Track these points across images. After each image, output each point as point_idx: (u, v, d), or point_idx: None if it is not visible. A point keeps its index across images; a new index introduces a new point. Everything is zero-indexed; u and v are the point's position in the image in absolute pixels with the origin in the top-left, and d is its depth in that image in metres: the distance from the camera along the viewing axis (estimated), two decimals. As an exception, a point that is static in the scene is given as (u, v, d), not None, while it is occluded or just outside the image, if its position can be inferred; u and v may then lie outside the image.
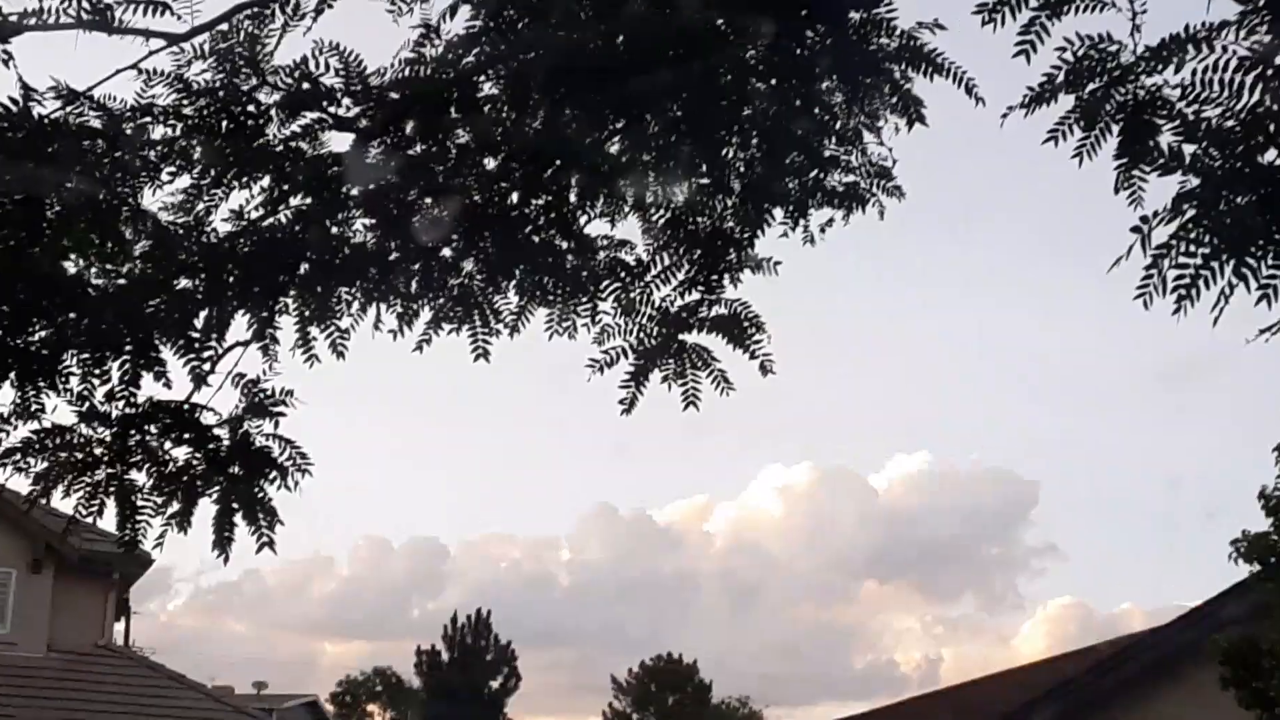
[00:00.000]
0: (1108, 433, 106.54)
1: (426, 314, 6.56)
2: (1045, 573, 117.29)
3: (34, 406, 6.28)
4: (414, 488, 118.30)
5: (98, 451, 6.48)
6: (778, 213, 6.43)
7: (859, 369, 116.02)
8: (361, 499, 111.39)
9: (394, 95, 6.23)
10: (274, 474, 6.56)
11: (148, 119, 6.04)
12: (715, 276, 6.62)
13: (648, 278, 6.65)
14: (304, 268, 6.47)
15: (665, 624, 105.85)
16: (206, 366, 6.39)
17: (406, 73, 6.23)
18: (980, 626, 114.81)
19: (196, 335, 6.36)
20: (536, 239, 6.48)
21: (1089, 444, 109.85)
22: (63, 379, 6.25)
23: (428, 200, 6.37)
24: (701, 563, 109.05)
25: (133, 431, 6.49)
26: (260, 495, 6.54)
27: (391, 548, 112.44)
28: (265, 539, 6.50)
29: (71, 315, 6.23)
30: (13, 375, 6.16)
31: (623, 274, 6.63)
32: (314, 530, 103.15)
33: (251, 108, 6.14)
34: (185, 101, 6.07)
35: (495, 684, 70.36)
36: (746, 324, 6.59)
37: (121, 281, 6.30)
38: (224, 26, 6.29)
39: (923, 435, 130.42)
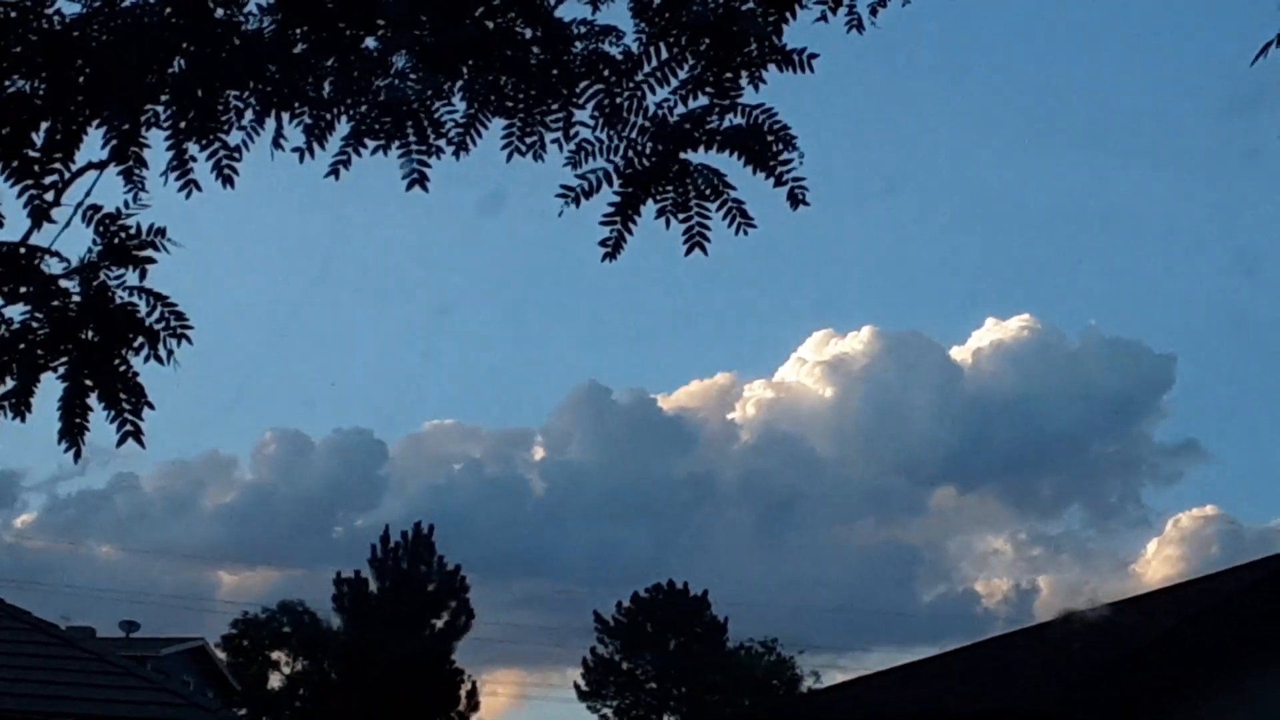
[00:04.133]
0: (1267, 295, 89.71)
1: (344, 126, 5.89)
2: (1180, 477, 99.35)
3: None
4: (341, 363, 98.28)
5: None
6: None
7: (935, 208, 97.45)
8: (269, 378, 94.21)
9: None
10: (140, 340, 6.03)
11: None
12: (729, 74, 5.93)
13: (639, 76, 6.00)
14: (179, 64, 5.92)
15: (671, 546, 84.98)
16: (49, 196, 5.91)
17: None
18: (1090, 548, 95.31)
19: (35, 154, 5.89)
20: (491, 24, 5.90)
21: (1241, 308, 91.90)
22: None
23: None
24: (722, 464, 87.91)
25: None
26: (122, 369, 6.01)
27: (310, 444, 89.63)
28: (129, 427, 5.95)
29: None
30: None
31: (606, 71, 5.96)
32: (205, 421, 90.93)
33: None
34: None
35: (439, 622, 58.11)
36: (771, 138, 5.85)
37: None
38: None
39: (1022, 294, 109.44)
